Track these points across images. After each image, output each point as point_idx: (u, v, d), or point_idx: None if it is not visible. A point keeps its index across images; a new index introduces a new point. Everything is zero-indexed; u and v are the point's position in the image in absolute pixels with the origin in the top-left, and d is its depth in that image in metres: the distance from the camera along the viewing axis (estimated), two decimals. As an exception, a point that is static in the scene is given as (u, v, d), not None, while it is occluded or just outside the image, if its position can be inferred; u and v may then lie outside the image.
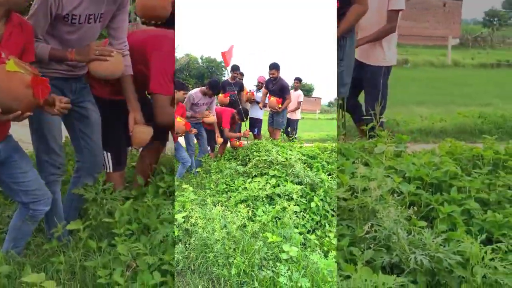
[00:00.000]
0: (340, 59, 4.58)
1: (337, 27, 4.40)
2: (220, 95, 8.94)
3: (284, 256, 3.53)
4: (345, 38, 4.52)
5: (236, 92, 9.12)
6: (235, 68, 9.64)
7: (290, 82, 10.23)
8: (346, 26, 4.44)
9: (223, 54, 8.58)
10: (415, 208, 2.98)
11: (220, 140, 7.86)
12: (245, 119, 8.55)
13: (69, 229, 3.48)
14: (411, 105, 11.85)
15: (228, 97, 9.00)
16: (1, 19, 2.84)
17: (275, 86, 9.02)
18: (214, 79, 8.62)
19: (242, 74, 9.96)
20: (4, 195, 4.29)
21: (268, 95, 9.25)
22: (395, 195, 3.08)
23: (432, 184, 3.57)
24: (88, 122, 3.71)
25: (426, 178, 3.52)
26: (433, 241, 2.71)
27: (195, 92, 7.53)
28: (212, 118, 7.46)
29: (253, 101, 9.73)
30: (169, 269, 3.14)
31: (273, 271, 3.38)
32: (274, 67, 9.05)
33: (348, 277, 2.60)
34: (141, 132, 3.82)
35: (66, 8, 3.28)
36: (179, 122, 6.50)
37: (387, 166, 3.57)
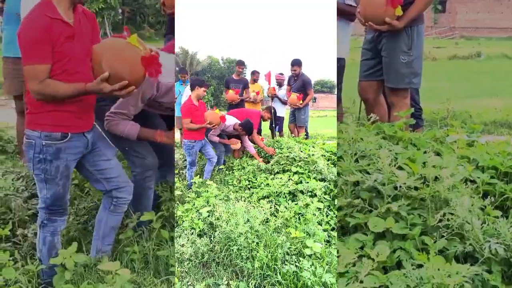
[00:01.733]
0: (408, 49, 4.59)
1: (399, 16, 4.40)
2: (230, 91, 9.26)
3: (307, 251, 3.74)
4: (412, 28, 4.53)
5: (240, 89, 9.33)
6: (241, 63, 9.81)
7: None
8: (414, 13, 4.43)
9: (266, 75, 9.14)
10: (490, 198, 3.04)
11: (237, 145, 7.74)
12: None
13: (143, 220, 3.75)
14: (484, 98, 11.73)
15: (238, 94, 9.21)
16: (69, 9, 3.13)
17: (297, 82, 9.09)
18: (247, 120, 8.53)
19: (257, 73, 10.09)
20: (80, 187, 4.59)
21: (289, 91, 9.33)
22: (468, 184, 3.16)
23: (506, 173, 3.56)
24: None
25: (501, 167, 3.53)
26: (508, 230, 2.80)
27: (230, 122, 7.54)
28: (238, 145, 7.54)
29: (274, 97, 9.74)
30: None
31: (296, 265, 3.60)
32: (296, 63, 9.09)
33: (420, 266, 2.71)
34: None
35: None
36: (216, 113, 6.75)
37: (459, 155, 3.64)
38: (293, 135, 9.21)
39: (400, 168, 3.23)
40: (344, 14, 5.58)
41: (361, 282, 2.62)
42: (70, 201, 4.32)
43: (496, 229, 2.84)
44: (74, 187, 4.49)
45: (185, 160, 7.95)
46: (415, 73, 4.65)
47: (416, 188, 3.13)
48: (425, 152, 3.55)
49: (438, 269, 2.58)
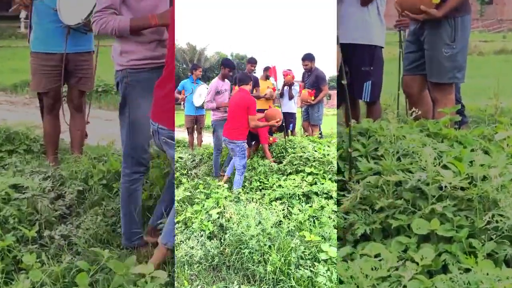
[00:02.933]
0: (451, 41, 4.54)
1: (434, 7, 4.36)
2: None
3: (323, 256, 3.73)
4: (456, 18, 4.47)
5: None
6: (252, 61, 9.37)
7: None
8: (454, 2, 4.39)
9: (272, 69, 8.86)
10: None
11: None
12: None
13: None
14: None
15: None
16: None
17: (310, 78, 8.88)
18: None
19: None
20: (108, 187, 4.65)
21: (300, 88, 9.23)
22: (520, 185, 3.12)
23: (559, 173, 3.54)
24: None
25: (554, 168, 3.52)
26: (562, 234, 2.77)
27: (215, 81, 7.69)
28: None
29: (292, 84, 9.47)
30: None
31: (311, 270, 3.60)
32: (308, 57, 8.84)
33: (468, 270, 2.69)
34: None
35: None
36: (278, 109, 6.74)
37: (509, 153, 3.59)
38: (306, 134, 9.09)
39: (445, 167, 3.20)
40: None
41: (405, 286, 2.61)
42: (98, 202, 4.41)
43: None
44: (102, 187, 4.55)
45: (194, 160, 8.02)
46: (459, 67, 4.61)
47: (462, 189, 3.10)
48: (472, 150, 3.51)
49: (487, 274, 2.58)
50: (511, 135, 3.79)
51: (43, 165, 5.25)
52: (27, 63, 5.71)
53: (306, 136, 8.74)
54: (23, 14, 25.71)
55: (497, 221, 2.81)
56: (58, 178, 4.83)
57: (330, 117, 12.73)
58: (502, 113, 4.92)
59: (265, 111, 6.74)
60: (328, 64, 10.28)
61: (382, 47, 5.28)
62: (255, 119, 6.38)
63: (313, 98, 8.75)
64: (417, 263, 2.75)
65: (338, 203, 3.54)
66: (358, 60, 5.13)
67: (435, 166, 3.13)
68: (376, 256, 2.90)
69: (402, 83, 5.07)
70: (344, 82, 3.52)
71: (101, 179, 4.60)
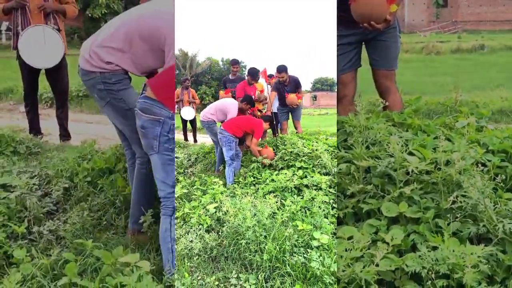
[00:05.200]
0: (399, 33, 4.68)
1: None
2: (221, 92, 9.17)
3: (315, 243, 3.77)
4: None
5: (235, 88, 9.02)
6: (234, 62, 9.67)
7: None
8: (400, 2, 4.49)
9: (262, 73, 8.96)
10: (502, 180, 3.04)
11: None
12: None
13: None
14: (490, 89, 11.74)
15: (230, 94, 8.96)
16: None
17: (291, 84, 8.83)
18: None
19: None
20: (93, 184, 4.61)
21: (281, 94, 9.05)
22: (480, 166, 3.16)
23: (516, 156, 3.59)
24: None
25: (510, 151, 3.57)
26: (521, 211, 2.80)
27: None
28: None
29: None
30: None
31: (304, 257, 3.62)
32: (284, 69, 8.76)
33: (435, 248, 2.72)
34: None
35: None
36: (270, 150, 6.83)
37: (469, 139, 3.63)
38: (284, 132, 9.15)
39: (411, 154, 3.23)
40: None
41: (377, 265, 2.62)
42: (84, 198, 4.37)
43: (509, 210, 2.85)
44: (88, 184, 4.50)
45: (189, 159, 8.00)
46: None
47: (428, 173, 3.13)
48: (435, 138, 3.55)
49: (453, 251, 2.59)
50: (471, 122, 3.84)
51: (30, 166, 5.18)
52: (9, 72, 5.71)
53: (285, 134, 8.77)
54: (3, 27, 25.46)
55: (460, 202, 2.84)
56: (45, 176, 4.78)
57: (316, 116, 12.78)
58: (461, 105, 4.97)
59: (262, 149, 6.79)
60: (327, 65, 10.38)
61: None
62: (255, 144, 6.63)
63: (300, 100, 8.86)
64: (388, 244, 2.77)
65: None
66: None
67: (402, 153, 3.16)
68: (349, 239, 2.92)
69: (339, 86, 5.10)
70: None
71: (86, 177, 4.55)
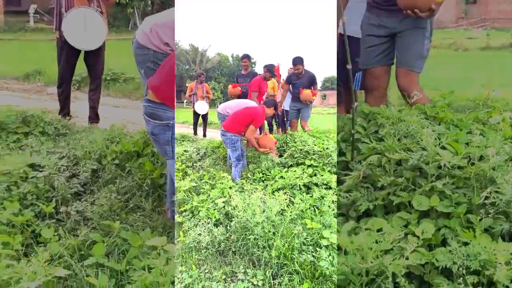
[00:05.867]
0: (430, 34, 4.61)
1: None
2: (229, 86, 9.09)
3: (324, 242, 3.72)
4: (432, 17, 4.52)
5: (247, 83, 9.01)
6: (244, 57, 9.58)
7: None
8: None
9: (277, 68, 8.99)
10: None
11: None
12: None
13: None
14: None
15: (239, 88, 8.95)
16: None
17: (304, 79, 8.75)
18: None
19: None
20: (121, 167, 4.62)
21: (294, 88, 9.09)
22: (514, 163, 3.10)
23: (552, 153, 3.51)
24: None
25: (546, 148, 3.50)
26: (556, 209, 2.75)
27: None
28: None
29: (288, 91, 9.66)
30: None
31: (313, 255, 3.58)
32: (299, 61, 8.71)
33: (466, 244, 2.68)
34: None
35: None
36: (271, 138, 6.78)
37: (503, 135, 3.57)
38: (293, 130, 9.09)
39: (443, 148, 3.18)
40: None
41: (407, 258, 2.59)
42: (111, 181, 4.38)
43: (544, 207, 2.80)
44: (115, 166, 4.51)
45: (198, 153, 8.01)
46: (426, 58, 4.64)
47: (460, 168, 3.08)
48: (468, 133, 3.49)
49: (485, 247, 2.55)
50: (506, 118, 3.78)
51: (58, 147, 5.21)
52: (37, 54, 5.76)
53: (294, 131, 8.71)
54: (31, 9, 25.64)
55: (493, 198, 2.80)
56: (73, 158, 4.80)
57: (325, 115, 12.75)
58: (494, 101, 4.89)
59: (260, 137, 6.72)
60: (328, 64, 10.27)
61: None
62: (252, 131, 6.41)
63: (315, 97, 8.74)
64: (418, 237, 2.74)
65: (340, 181, 3.52)
66: (352, 51, 5.14)
67: (435, 146, 3.11)
68: (378, 231, 2.89)
69: (366, 78, 5.03)
70: (349, 66, 3.49)
71: (114, 159, 4.56)
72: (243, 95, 8.90)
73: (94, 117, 7.13)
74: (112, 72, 11.85)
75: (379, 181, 3.16)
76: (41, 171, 4.30)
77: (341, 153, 3.86)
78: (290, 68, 9.76)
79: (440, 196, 2.95)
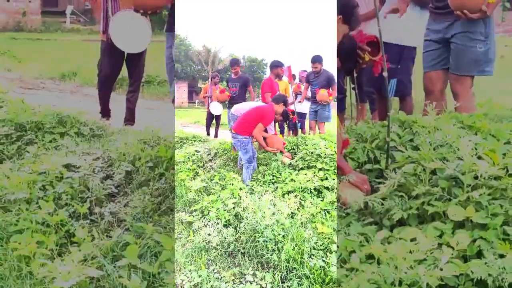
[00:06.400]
0: (485, 37, 4.55)
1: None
2: (216, 91, 9.36)
3: (334, 247, 3.71)
4: (488, 17, 4.45)
5: (238, 88, 8.98)
6: (234, 63, 9.38)
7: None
8: (497, 4, 4.39)
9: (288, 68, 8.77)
10: None
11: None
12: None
13: None
14: None
15: (227, 93, 8.89)
16: None
17: (320, 78, 8.85)
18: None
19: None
20: (153, 169, 4.68)
21: (310, 88, 9.20)
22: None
23: None
24: None
25: None
26: None
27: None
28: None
29: (299, 94, 9.77)
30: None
31: (323, 260, 3.60)
32: (317, 60, 8.81)
33: (502, 256, 2.64)
34: None
35: None
36: (280, 139, 6.77)
37: (543, 145, 3.52)
38: (312, 132, 9.18)
39: (479, 158, 3.15)
40: (420, 2, 5.43)
41: (441, 269, 2.57)
42: (145, 183, 4.42)
43: None
44: (149, 169, 4.55)
45: (209, 153, 8.06)
46: (490, 61, 4.61)
47: (497, 178, 3.05)
48: (506, 143, 3.45)
49: (522, 260, 2.52)
50: (544, 128, 3.73)
51: (93, 148, 5.28)
52: (73, 54, 5.84)
53: (313, 134, 8.87)
54: (68, 10, 26.00)
55: (531, 210, 2.76)
56: (107, 159, 4.85)
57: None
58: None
59: (269, 136, 6.72)
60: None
61: (414, 47, 5.27)
62: (260, 129, 6.39)
63: (331, 98, 8.71)
64: (453, 248, 2.71)
65: (374, 190, 3.50)
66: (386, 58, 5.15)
67: (472, 156, 3.08)
68: (412, 241, 2.87)
69: (424, 82, 5.01)
70: (385, 74, 3.49)
71: (148, 162, 4.60)
72: (233, 100, 8.89)
73: (130, 119, 7.16)
74: (147, 74, 11.99)
75: (413, 190, 3.14)
76: (76, 172, 4.37)
77: (375, 161, 3.85)
78: (301, 71, 9.83)
79: (476, 206, 2.92)
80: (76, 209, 3.89)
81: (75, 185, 4.18)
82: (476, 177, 3.03)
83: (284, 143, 6.86)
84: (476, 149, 3.20)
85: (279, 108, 6.61)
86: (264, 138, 6.62)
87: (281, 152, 6.76)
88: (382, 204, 3.23)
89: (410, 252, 2.72)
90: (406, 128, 3.89)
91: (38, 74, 13.10)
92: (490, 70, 4.68)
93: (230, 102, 8.89)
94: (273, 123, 7.44)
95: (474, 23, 4.44)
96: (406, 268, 2.61)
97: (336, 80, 8.80)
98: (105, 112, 7.18)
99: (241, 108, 7.57)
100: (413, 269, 2.59)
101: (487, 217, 2.86)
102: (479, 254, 2.75)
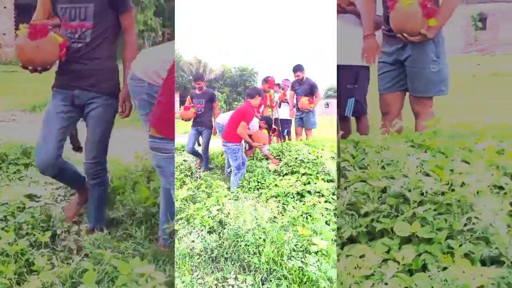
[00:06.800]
0: (437, 57, 4.65)
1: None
2: (180, 108, 8.47)
3: (314, 248, 3.89)
4: (437, 36, 4.56)
5: (203, 105, 8.29)
6: (197, 78, 8.77)
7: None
8: (443, 22, 4.48)
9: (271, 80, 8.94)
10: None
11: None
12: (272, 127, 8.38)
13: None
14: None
15: (192, 110, 8.16)
16: None
17: (304, 86, 8.97)
18: (267, 116, 8.67)
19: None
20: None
21: (295, 96, 9.27)
22: (497, 190, 3.17)
23: (536, 181, 3.56)
24: None
25: (530, 175, 3.55)
26: (535, 235, 2.80)
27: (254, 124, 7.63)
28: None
29: (284, 102, 9.84)
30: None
31: (302, 261, 3.74)
32: (299, 69, 8.93)
33: (445, 268, 2.74)
34: None
35: None
36: (265, 133, 6.89)
37: (488, 162, 3.63)
38: (300, 138, 9.32)
39: (427, 174, 3.26)
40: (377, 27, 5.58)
41: (386, 284, 2.65)
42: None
43: (522, 233, 2.86)
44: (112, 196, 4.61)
45: (196, 163, 8.37)
46: (444, 81, 4.71)
47: (443, 194, 3.15)
48: (453, 160, 3.56)
49: (463, 272, 2.61)
50: (490, 145, 3.85)
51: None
52: (46, 86, 5.81)
53: (300, 140, 9.02)
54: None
55: (473, 223, 2.86)
56: (69, 189, 4.90)
57: (328, 123, 12.88)
58: (489, 128, 4.96)
59: (254, 132, 6.86)
60: (329, 74, 10.41)
61: (368, 67, 5.40)
62: (243, 127, 6.47)
63: (312, 105, 8.87)
64: (399, 262, 2.80)
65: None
66: (344, 79, 5.28)
67: (417, 173, 3.19)
68: (361, 257, 2.95)
69: (380, 103, 5.11)
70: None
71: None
72: (198, 118, 8.31)
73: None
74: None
75: (362, 208, 3.23)
76: (37, 201, 4.42)
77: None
78: (284, 80, 10.02)
79: (421, 222, 3.01)
80: (37, 238, 3.92)
81: (36, 215, 4.23)
82: (422, 194, 3.13)
83: (269, 138, 6.99)
84: (422, 166, 3.31)
85: (256, 101, 6.76)
86: (250, 136, 6.73)
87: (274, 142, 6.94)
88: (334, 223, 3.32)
89: (356, 267, 2.81)
90: (359, 148, 3.99)
91: (10, 106, 13.11)
92: (445, 90, 4.78)
93: (195, 120, 8.31)
94: (256, 121, 7.56)
95: (424, 45, 4.56)
96: (353, 284, 2.69)
97: (317, 87, 9.12)
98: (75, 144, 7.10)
99: (225, 117, 7.71)
100: (359, 284, 2.68)
101: (432, 231, 2.95)
102: (424, 268, 2.84)
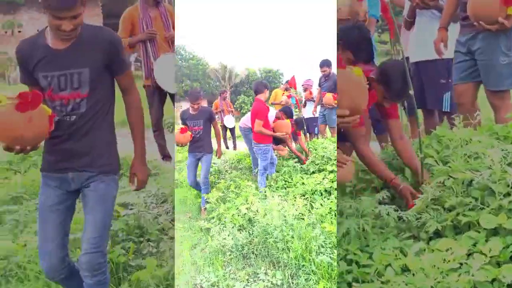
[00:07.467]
0: (507, 50, 4.47)
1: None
2: (176, 131, 7.32)
3: None
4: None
5: (201, 126, 6.97)
6: (195, 98, 7.08)
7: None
8: None
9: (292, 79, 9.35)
10: None
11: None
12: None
13: None
14: None
15: (189, 133, 6.99)
16: None
17: (329, 82, 8.89)
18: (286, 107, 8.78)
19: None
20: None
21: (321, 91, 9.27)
22: None
23: None
24: None
25: None
26: None
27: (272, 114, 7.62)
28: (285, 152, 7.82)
29: (311, 100, 9.96)
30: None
31: (330, 257, 3.80)
32: (325, 64, 8.89)
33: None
34: None
35: None
36: (288, 123, 7.07)
37: None
38: (325, 136, 9.29)
39: (511, 165, 3.22)
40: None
41: (473, 275, 2.65)
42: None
43: None
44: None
45: (226, 165, 8.64)
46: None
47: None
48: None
49: None
50: None
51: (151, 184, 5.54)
52: None
53: (326, 138, 9.02)
54: (132, 58, 26.76)
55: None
56: (161, 195, 5.12)
57: None
58: None
59: (274, 124, 6.94)
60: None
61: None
62: (259, 124, 6.62)
63: (336, 101, 8.72)
64: (485, 255, 2.79)
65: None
66: (435, 73, 5.21)
67: (502, 165, 3.16)
68: (447, 251, 2.96)
69: (455, 93, 5.00)
70: (411, 92, 3.59)
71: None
72: (194, 142, 7.05)
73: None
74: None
75: (446, 202, 3.23)
76: (131, 209, 4.65)
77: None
78: (306, 80, 10.09)
79: (508, 213, 2.98)
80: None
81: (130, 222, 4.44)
82: (508, 185, 3.09)
83: (292, 127, 7.07)
84: (506, 157, 3.27)
85: (265, 95, 6.93)
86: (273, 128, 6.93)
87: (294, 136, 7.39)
88: (418, 218, 3.33)
89: (444, 261, 2.82)
90: (440, 142, 3.96)
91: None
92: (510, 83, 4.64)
93: (193, 145, 7.11)
94: (273, 112, 7.62)
95: (496, 35, 4.42)
96: (439, 276, 2.71)
97: None
98: (165, 153, 7.27)
99: (246, 119, 7.88)
100: (446, 277, 2.69)
101: (519, 222, 2.92)
102: (512, 259, 2.82)
